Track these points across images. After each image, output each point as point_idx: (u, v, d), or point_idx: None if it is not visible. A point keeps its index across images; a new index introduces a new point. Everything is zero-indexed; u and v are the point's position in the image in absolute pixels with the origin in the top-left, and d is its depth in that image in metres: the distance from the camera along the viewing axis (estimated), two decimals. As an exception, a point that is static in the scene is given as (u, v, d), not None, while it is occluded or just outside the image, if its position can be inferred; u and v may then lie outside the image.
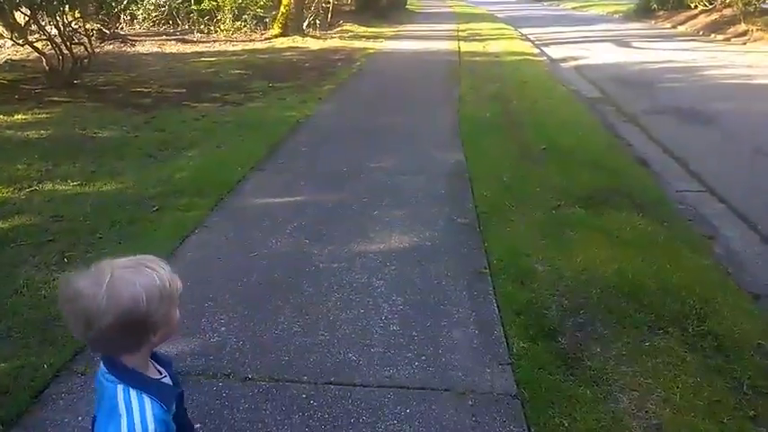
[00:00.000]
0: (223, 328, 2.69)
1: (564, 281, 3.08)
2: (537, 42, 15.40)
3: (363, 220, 3.87)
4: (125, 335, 1.05)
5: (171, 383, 1.20)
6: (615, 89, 9.00)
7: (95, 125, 6.08)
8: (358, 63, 11.06)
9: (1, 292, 2.93)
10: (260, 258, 3.35)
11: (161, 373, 1.20)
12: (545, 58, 12.71)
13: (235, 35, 14.15)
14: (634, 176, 4.86)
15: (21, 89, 7.71)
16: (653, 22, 21.52)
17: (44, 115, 6.44)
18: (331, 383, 2.34)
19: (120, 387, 1.07)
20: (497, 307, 2.85)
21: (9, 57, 10.24)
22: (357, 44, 13.76)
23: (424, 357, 2.49)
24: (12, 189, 4.25)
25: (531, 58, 12.26)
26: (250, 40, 13.59)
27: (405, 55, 12.78)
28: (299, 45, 13.16)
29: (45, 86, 7.80)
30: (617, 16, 25.22)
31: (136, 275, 1.05)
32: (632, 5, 25.01)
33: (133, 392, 1.06)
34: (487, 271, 3.19)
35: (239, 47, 12.69)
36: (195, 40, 13.47)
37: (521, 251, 3.38)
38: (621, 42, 15.08)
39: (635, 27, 20.12)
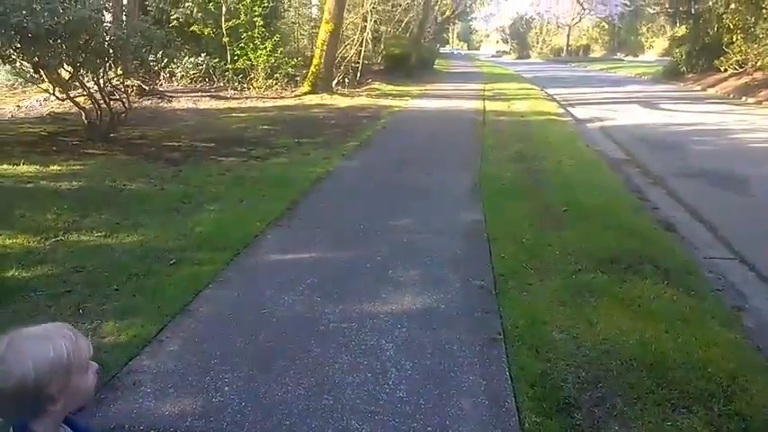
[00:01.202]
0: (227, 388, 2.64)
1: (582, 351, 2.94)
2: (563, 102, 15.58)
3: (377, 279, 3.83)
4: (19, 404, 1.07)
5: None
6: (642, 151, 8.94)
7: (125, 177, 6.29)
8: (383, 121, 11.34)
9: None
10: (270, 316, 3.32)
11: None
12: (570, 118, 12.81)
13: (266, 92, 14.77)
14: (659, 241, 4.72)
15: (59, 141, 8.10)
16: (682, 84, 21.61)
17: (78, 167, 6.71)
18: (331, 453, 2.24)
19: None
20: (510, 377, 2.72)
21: (52, 110, 10.86)
22: (383, 102, 14.16)
23: (430, 428, 2.37)
24: (38, 239, 4.37)
25: (556, 118, 12.37)
26: (280, 98, 14.14)
27: (430, 113, 13.05)
28: (327, 102, 13.61)
29: (82, 139, 8.19)
30: (645, 78, 25.45)
31: (32, 348, 1.08)
32: (661, 68, 25.24)
33: None
34: (501, 337, 3.08)
35: (269, 103, 13.20)
36: (229, 96, 14.08)
37: (537, 318, 3.26)
38: (649, 104, 15.13)
39: (663, 89, 20.21)
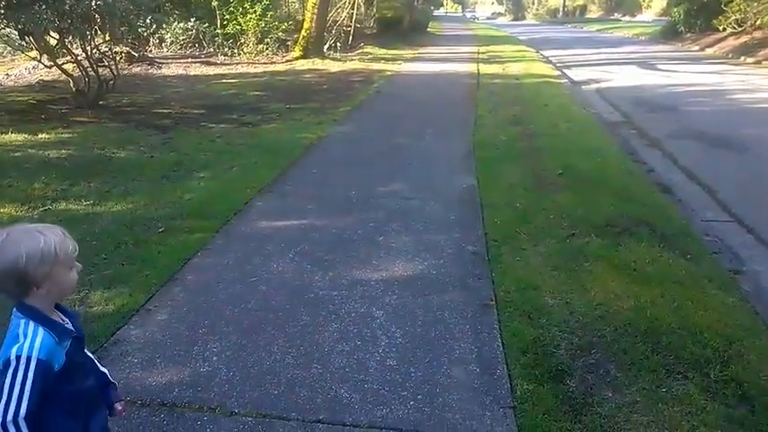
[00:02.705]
0: (215, 357, 2.60)
1: (575, 317, 2.90)
2: (558, 65, 15.30)
3: (368, 246, 3.76)
4: (10, 284, 1.30)
5: (71, 328, 1.40)
6: (638, 112, 8.80)
7: (114, 145, 6.15)
8: (375, 85, 11.10)
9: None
10: (259, 284, 3.26)
11: (64, 321, 1.40)
12: (566, 80, 12.58)
13: (257, 58, 14.41)
14: (656, 204, 4.66)
15: (47, 109, 7.90)
16: (680, 44, 21.22)
17: (66, 135, 6.55)
18: (320, 422, 2.21)
19: (23, 320, 1.32)
20: (502, 343, 2.69)
21: (41, 78, 10.58)
22: (376, 66, 13.86)
23: (420, 397, 2.34)
24: (26, 208, 4.28)
25: (551, 80, 12.14)
26: (271, 63, 13.82)
27: (423, 77, 12.79)
28: (319, 67, 13.31)
29: (71, 107, 7.99)
30: (643, 38, 24.98)
31: (23, 238, 1.29)
32: (659, 28, 24.74)
33: (32, 324, 1.32)
34: (493, 303, 3.04)
35: (260, 69, 12.90)
36: (219, 62, 13.74)
37: (530, 283, 3.22)
38: (646, 65, 14.86)
39: (661, 50, 19.85)
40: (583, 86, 11.79)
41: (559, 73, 13.56)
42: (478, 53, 17.81)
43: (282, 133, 6.96)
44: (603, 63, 15.53)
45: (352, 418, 2.22)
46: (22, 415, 1.27)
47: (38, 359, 1.28)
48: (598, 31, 30.62)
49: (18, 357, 1.27)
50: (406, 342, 2.71)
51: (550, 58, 16.79)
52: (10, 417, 1.26)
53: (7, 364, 1.28)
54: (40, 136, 6.34)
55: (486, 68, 13.80)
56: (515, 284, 3.20)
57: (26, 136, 6.28)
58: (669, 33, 23.15)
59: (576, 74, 13.49)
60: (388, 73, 12.95)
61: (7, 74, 11.41)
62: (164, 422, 2.20)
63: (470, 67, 14.09)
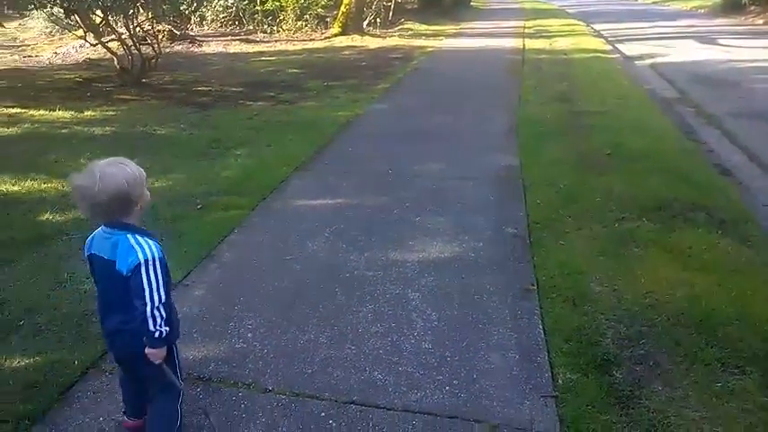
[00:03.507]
0: (249, 334, 2.59)
1: (623, 305, 2.74)
2: (610, 39, 14.57)
3: (404, 226, 3.67)
4: (119, 206, 1.62)
5: None
6: (696, 89, 8.28)
7: (156, 122, 6.24)
8: (415, 62, 10.86)
9: (45, 285, 2.98)
10: (294, 262, 3.23)
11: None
12: (618, 55, 11.97)
13: (296, 35, 14.33)
14: (714, 187, 4.36)
15: (93, 87, 8.09)
16: (742, 18, 19.85)
17: (111, 112, 6.69)
18: (353, 403, 2.17)
19: (128, 234, 1.65)
20: (543, 330, 2.56)
21: (88, 56, 10.85)
22: (416, 42, 13.56)
23: (456, 382, 2.26)
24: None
25: (602, 55, 11.58)
26: (310, 40, 13.71)
27: (465, 53, 12.43)
28: (358, 44, 13.11)
29: (115, 85, 8.16)
30: (701, 11, 23.53)
31: (115, 170, 1.61)
32: (719, 0, 23.24)
33: (138, 236, 1.66)
34: (535, 288, 2.91)
35: (299, 46, 12.82)
36: (258, 40, 13.74)
37: (575, 268, 3.06)
38: (706, 39, 13.97)
39: (721, 23, 18.65)
40: (636, 62, 11.19)
41: (611, 48, 12.91)
42: (524, 27, 17.16)
43: (319, 111, 6.89)
44: (659, 37, 14.70)
45: (385, 401, 2.17)
46: (163, 301, 1.64)
47: (161, 258, 1.65)
48: (654, 3, 29.01)
49: (146, 261, 1.61)
50: (442, 325, 2.63)
51: (602, 32, 16.01)
52: (156, 303, 1.62)
53: (137, 267, 1.60)
54: (85, 113, 6.49)
55: (532, 43, 13.29)
56: (558, 269, 3.05)
57: (73, 113, 6.43)
58: (730, 6, 21.68)
59: (630, 48, 12.82)
60: (429, 49, 12.65)
61: (55, 52, 11.75)
62: (199, 396, 2.21)
63: (515, 43, 13.60)
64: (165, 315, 1.66)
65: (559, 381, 2.24)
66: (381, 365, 2.36)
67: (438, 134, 5.91)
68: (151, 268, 1.63)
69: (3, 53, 11.80)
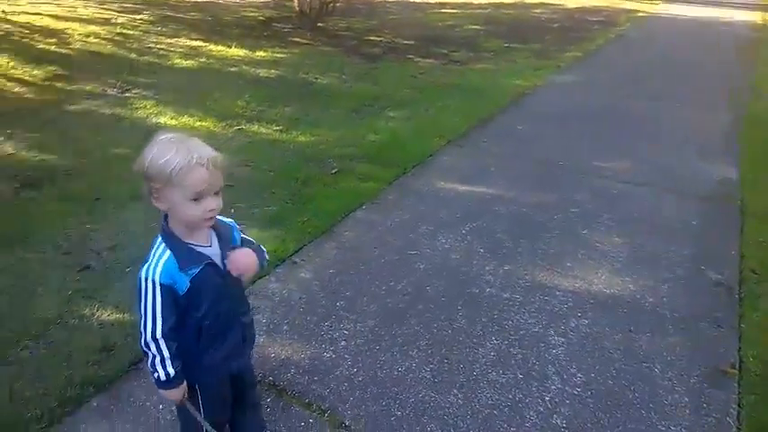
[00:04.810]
0: (343, 342, 2.19)
1: None
2: None
3: (564, 238, 2.93)
4: (148, 186, 1.26)
5: (206, 255, 1.32)
6: None
7: (319, 70, 6.07)
8: (620, 28, 9.30)
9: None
10: (419, 260, 2.73)
11: (208, 245, 1.34)
12: None
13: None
14: None
15: (272, 27, 8.24)
16: None
17: (280, 55, 6.70)
18: (441, 481, 1.65)
19: (159, 238, 1.31)
20: (740, 444, 1.75)
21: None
22: (625, 4, 11.70)
23: (590, 494, 1.61)
24: (223, 125, 4.37)
25: None
26: (501, -7, 12.60)
27: (684, 23, 10.37)
28: (554, 1, 11.70)
29: (293, 27, 8.21)
30: None
31: (166, 149, 1.23)
32: None
33: (162, 245, 1.29)
34: (736, 373, 2.04)
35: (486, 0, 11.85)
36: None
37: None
38: None
39: None
40: None
41: None
42: (767, -3, 13.91)
43: (492, 76, 6.13)
44: None
45: (483, 494, 1.61)
46: (159, 334, 1.28)
47: (161, 283, 1.26)
48: None
49: (144, 278, 1.27)
50: (588, 396, 1.95)
51: None
52: (149, 336, 1.27)
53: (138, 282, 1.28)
54: (257, 53, 6.56)
55: (775, 18, 10.65)
56: (778, 351, 2.11)
57: (246, 52, 6.55)
58: None
59: None
60: (640, 14, 10.80)
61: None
62: (267, 407, 1.87)
63: (753, 16, 11.03)
64: (163, 353, 1.29)
65: None
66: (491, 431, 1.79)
67: (634, 123, 4.84)
68: (148, 290, 1.27)
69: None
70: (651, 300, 2.46)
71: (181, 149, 1.22)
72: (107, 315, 2.27)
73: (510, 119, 4.85)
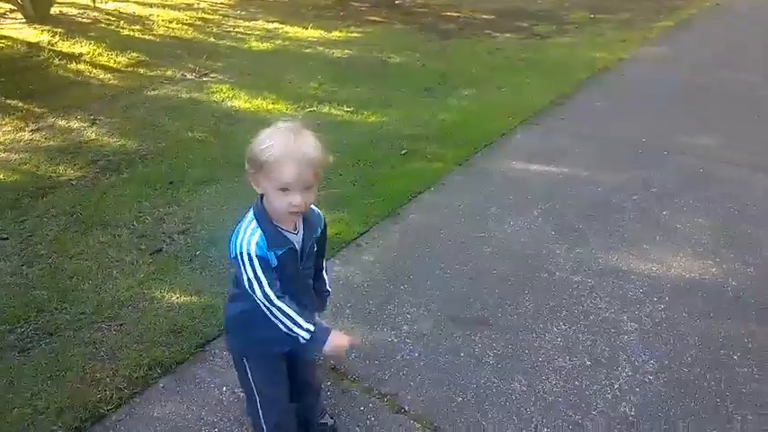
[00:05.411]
0: (405, 327, 2.19)
1: None
2: None
3: (642, 220, 2.76)
4: (248, 167, 1.32)
5: (291, 240, 1.36)
6: None
7: (393, 49, 6.02)
8: (719, -6, 8.42)
9: (235, 214, 2.99)
10: (485, 242, 2.67)
11: (295, 231, 1.38)
12: None
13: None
14: None
15: (348, 6, 8.26)
16: None
17: (355, 34, 6.71)
18: (499, 471, 1.62)
19: (251, 213, 1.34)
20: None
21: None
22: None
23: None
24: (295, 106, 4.43)
25: None
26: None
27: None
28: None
29: (370, 5, 8.19)
30: None
31: (271, 137, 1.26)
32: None
33: (254, 221, 1.33)
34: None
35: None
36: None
37: None
38: None
39: None
40: None
41: None
42: None
43: (574, 50, 5.80)
44: None
45: (542, 487, 1.57)
46: (274, 298, 1.32)
47: (257, 255, 1.30)
48: None
49: (240, 252, 1.31)
50: (660, 385, 1.84)
51: None
52: (267, 303, 1.32)
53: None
54: (332, 33, 6.61)
55: None
56: None
57: (322, 32, 6.61)
58: None
59: None
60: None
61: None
62: (327, 391, 1.90)
63: None
64: (288, 314, 1.34)
65: None
66: (555, 420, 1.74)
67: (724, 99, 4.43)
68: (246, 262, 1.33)
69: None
70: (735, 284, 2.28)
71: (283, 140, 1.25)
72: (176, 298, 2.34)
73: (590, 94, 4.58)
